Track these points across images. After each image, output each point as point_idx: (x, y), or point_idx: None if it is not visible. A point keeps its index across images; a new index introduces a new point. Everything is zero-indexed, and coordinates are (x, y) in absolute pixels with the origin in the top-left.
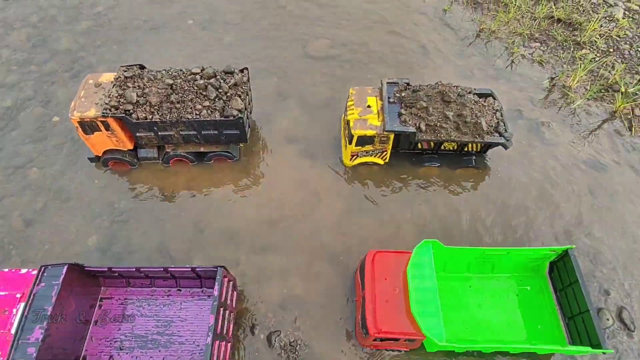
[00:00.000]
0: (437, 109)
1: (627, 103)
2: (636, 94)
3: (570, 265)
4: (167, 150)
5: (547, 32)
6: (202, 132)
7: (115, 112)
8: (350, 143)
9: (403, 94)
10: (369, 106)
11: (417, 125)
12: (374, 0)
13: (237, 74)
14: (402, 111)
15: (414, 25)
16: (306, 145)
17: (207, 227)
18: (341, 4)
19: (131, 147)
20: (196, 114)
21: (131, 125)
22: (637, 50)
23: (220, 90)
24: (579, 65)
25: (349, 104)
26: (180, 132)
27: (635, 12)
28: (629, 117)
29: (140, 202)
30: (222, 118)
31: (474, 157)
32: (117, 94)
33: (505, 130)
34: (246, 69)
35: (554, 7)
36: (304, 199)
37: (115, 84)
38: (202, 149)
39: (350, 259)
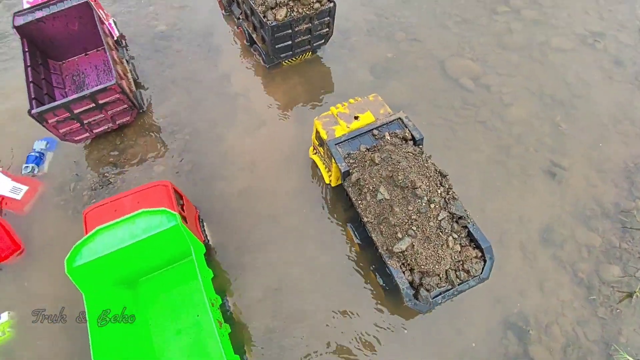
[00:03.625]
0: (375, 177)
1: None
2: None
3: None
4: None
5: None
6: None
7: None
8: None
9: (385, 136)
10: (356, 117)
11: (350, 169)
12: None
13: None
14: (362, 148)
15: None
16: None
17: None
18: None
19: None
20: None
21: None
22: None
23: None
24: None
25: (350, 100)
26: None
27: None
28: None
29: None
30: None
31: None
32: None
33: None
34: None
35: None
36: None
37: None
38: None
39: None
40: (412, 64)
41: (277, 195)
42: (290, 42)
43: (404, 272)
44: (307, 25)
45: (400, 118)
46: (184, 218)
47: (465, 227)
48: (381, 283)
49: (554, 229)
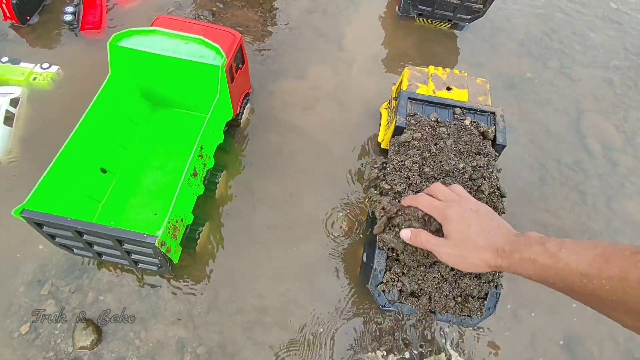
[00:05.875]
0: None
1: None
2: None
3: None
4: None
5: None
6: None
7: None
8: None
9: (465, 120)
10: (449, 88)
11: (406, 128)
12: None
13: None
14: (432, 117)
15: None
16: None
17: None
18: None
19: None
20: None
21: None
22: None
23: None
24: None
25: (455, 70)
26: None
27: None
28: None
29: None
30: None
31: None
32: None
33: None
34: None
35: None
36: None
37: None
38: None
39: None
40: (546, 95)
41: (332, 135)
42: None
43: (388, 257)
44: None
45: (494, 113)
46: (232, 76)
47: None
48: (363, 260)
49: (585, 343)
